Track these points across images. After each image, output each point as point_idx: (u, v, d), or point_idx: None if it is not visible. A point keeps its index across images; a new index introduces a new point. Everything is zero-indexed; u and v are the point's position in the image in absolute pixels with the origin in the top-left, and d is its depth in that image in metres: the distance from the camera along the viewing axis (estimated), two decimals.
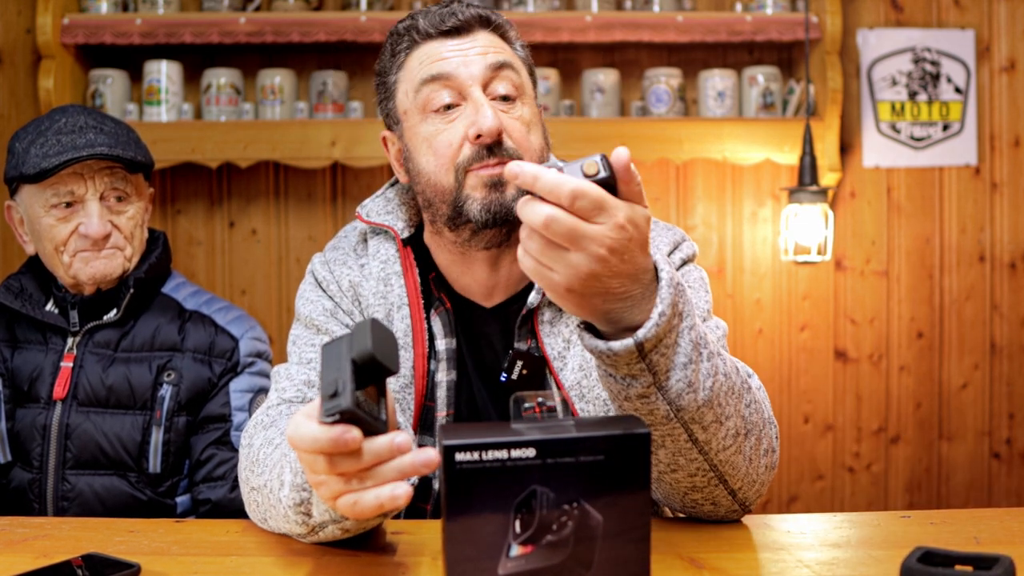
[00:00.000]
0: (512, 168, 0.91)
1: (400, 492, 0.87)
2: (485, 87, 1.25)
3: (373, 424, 0.87)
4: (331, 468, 0.87)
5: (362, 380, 0.87)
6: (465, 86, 1.25)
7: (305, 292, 1.38)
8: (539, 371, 1.29)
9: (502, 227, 1.25)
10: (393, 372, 0.89)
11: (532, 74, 1.35)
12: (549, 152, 1.35)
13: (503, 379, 1.29)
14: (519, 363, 1.28)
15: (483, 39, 1.28)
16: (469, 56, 1.26)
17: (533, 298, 1.27)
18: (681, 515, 1.21)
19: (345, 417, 0.85)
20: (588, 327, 1.01)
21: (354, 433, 0.85)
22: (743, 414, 1.07)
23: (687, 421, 1.01)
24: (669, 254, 1.34)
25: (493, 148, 1.23)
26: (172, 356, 1.66)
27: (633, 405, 1.01)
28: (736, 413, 1.06)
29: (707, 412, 1.02)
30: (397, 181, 1.41)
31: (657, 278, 0.97)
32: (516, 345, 1.30)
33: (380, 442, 0.87)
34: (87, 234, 1.60)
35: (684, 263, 1.35)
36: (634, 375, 0.98)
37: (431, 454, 0.87)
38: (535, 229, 0.91)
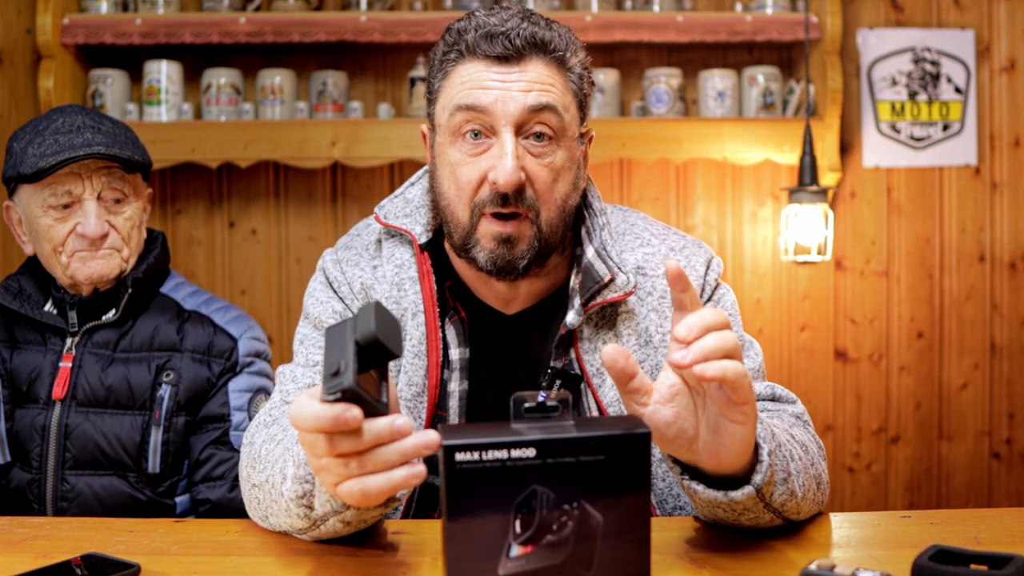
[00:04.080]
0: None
1: (417, 471, 0.87)
2: (519, 127, 1.20)
3: (374, 406, 0.87)
4: (331, 448, 0.87)
5: (365, 362, 0.88)
6: (497, 124, 1.19)
7: (315, 291, 1.36)
8: (575, 389, 1.29)
9: (509, 276, 1.25)
10: (396, 355, 0.89)
11: (584, 104, 1.28)
12: (583, 191, 1.32)
13: (542, 398, 1.28)
14: (557, 382, 1.28)
15: (533, 70, 1.20)
16: (510, 91, 1.19)
17: (572, 319, 1.26)
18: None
19: (347, 396, 0.85)
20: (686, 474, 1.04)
21: (355, 412, 0.85)
22: (815, 493, 1.14)
23: (785, 514, 1.08)
24: (704, 272, 1.34)
25: (510, 196, 1.20)
26: (171, 356, 1.66)
27: (740, 519, 1.07)
28: (811, 489, 1.12)
29: (803, 504, 1.10)
30: (416, 181, 1.38)
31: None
32: (552, 363, 1.29)
33: (380, 423, 0.87)
34: (84, 234, 1.60)
35: (718, 284, 1.36)
36: (747, 507, 1.03)
37: (432, 436, 0.87)
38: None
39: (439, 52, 1.26)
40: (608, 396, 1.27)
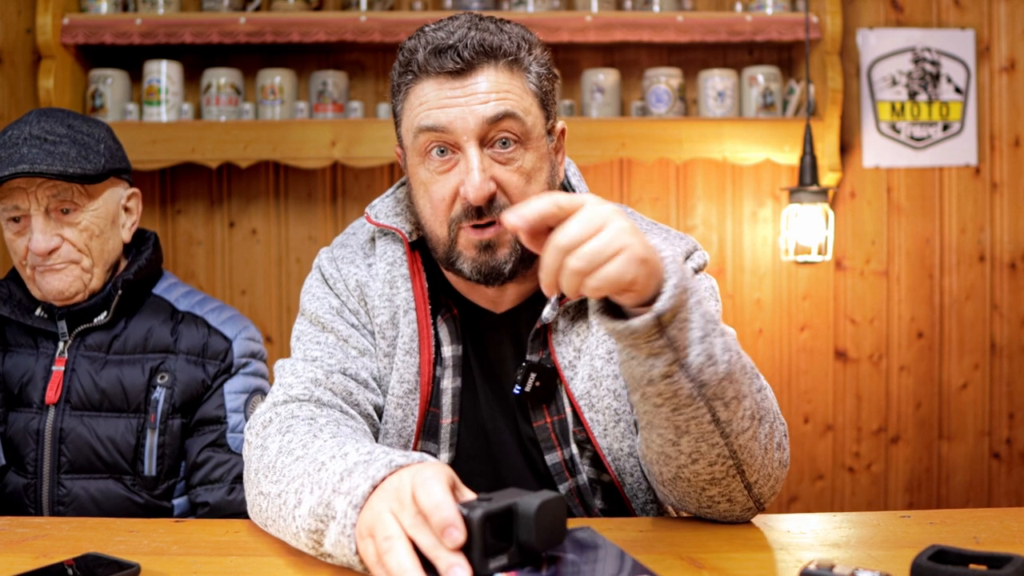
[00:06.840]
0: (506, 220, 0.98)
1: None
2: (483, 139, 1.20)
3: (478, 558, 0.84)
4: (411, 524, 0.87)
5: (506, 524, 0.87)
6: (460, 140, 1.20)
7: (311, 288, 1.37)
8: (551, 383, 1.29)
9: (496, 282, 1.25)
10: (536, 551, 0.87)
11: (547, 102, 1.27)
12: (563, 186, 1.34)
13: (517, 391, 1.29)
14: (532, 375, 1.28)
15: (487, 80, 1.20)
16: (469, 106, 1.19)
17: (548, 314, 1.25)
18: (693, 514, 1.21)
19: (472, 523, 0.84)
20: (608, 312, 1.02)
21: (458, 536, 0.84)
22: (755, 398, 1.09)
23: (710, 398, 1.03)
24: (684, 261, 1.34)
25: (484, 208, 1.21)
26: (165, 358, 1.65)
27: (657, 388, 1.02)
28: (750, 393, 1.08)
29: (728, 387, 1.04)
30: (406, 181, 1.38)
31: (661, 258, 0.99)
32: (528, 357, 1.30)
33: (445, 555, 0.84)
34: (32, 249, 1.57)
35: (696, 272, 1.36)
36: (656, 353, 0.99)
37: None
38: (569, 250, 0.95)
39: (396, 73, 1.27)
40: (578, 389, 1.27)
